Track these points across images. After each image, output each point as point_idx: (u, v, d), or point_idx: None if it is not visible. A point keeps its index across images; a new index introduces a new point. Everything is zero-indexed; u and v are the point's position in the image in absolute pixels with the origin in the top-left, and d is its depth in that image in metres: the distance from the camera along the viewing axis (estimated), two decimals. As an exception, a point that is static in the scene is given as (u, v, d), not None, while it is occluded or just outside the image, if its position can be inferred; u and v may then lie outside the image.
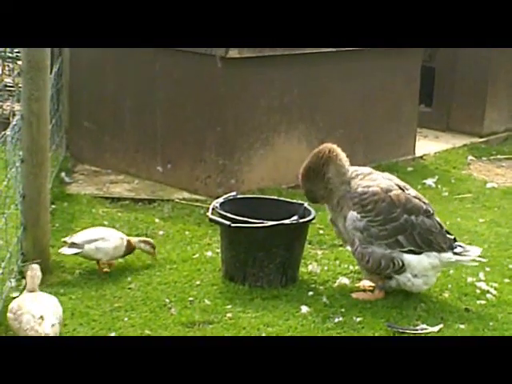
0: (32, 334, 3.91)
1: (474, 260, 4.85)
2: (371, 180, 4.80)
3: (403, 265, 4.73)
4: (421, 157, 8.11)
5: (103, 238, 4.94)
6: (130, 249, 5.08)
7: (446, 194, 7.15)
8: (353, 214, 4.72)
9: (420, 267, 4.77)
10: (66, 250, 4.92)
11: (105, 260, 4.98)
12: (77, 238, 4.96)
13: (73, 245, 4.91)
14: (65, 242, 4.98)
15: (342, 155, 4.85)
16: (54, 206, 5.88)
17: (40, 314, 3.97)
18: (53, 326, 3.96)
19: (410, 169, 7.69)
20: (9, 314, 4.06)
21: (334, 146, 4.86)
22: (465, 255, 4.83)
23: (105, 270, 5.03)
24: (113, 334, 4.22)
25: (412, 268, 4.76)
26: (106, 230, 5.12)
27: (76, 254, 4.92)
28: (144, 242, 5.15)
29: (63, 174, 6.71)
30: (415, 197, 4.84)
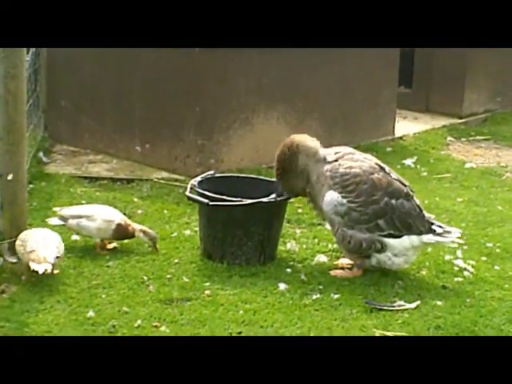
0: (33, 257, 4.31)
1: (453, 242, 4.87)
2: (353, 160, 4.79)
3: (383, 246, 4.76)
4: (400, 137, 8.13)
5: (89, 217, 4.91)
6: (123, 233, 4.94)
7: (425, 173, 7.18)
8: (333, 197, 4.71)
9: (400, 247, 4.78)
10: (52, 221, 5.03)
11: (97, 239, 4.95)
12: (66, 210, 5.03)
13: (61, 217, 5.01)
14: (55, 212, 5.09)
15: (304, 140, 4.85)
16: (31, 186, 5.86)
17: (44, 242, 4.41)
18: (57, 257, 4.40)
19: (389, 149, 7.71)
20: (17, 242, 4.47)
21: (292, 137, 4.86)
22: (445, 236, 4.84)
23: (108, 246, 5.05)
24: (90, 312, 4.20)
25: (393, 248, 4.77)
26: (99, 210, 5.00)
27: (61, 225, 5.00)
28: (144, 232, 4.97)
29: (41, 154, 6.67)
30: (396, 179, 4.84)
